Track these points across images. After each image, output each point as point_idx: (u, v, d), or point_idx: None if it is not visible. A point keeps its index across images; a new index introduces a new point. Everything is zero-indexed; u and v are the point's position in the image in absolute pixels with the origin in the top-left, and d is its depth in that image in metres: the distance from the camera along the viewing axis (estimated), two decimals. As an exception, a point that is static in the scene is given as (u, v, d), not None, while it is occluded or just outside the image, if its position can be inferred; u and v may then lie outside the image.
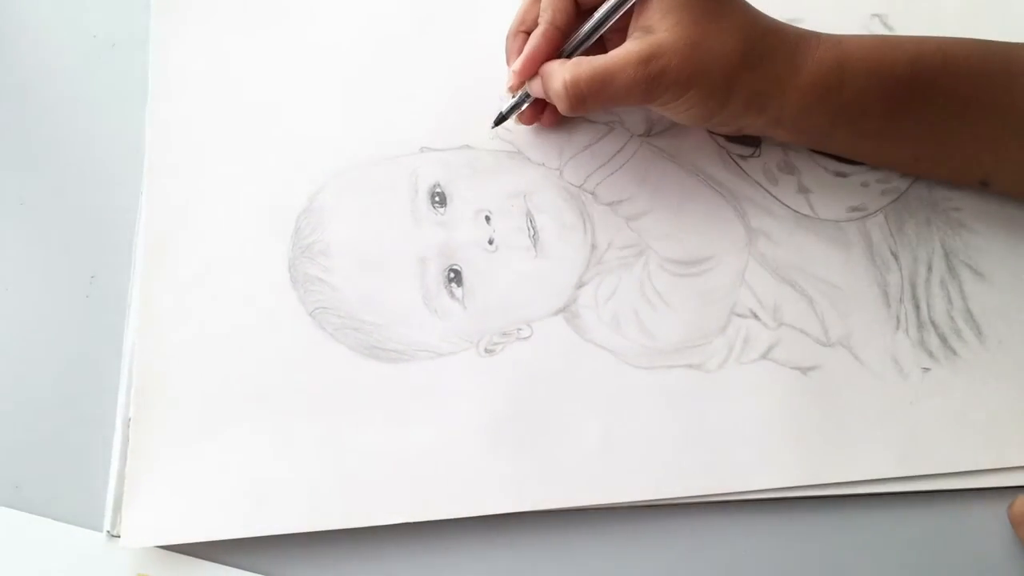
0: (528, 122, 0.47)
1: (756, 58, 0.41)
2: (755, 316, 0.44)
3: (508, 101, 0.46)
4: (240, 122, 0.48)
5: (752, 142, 0.48)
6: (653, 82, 0.40)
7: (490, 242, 0.45)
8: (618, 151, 0.47)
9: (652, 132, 0.48)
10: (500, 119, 0.46)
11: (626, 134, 0.48)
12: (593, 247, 0.45)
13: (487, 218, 0.46)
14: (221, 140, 0.48)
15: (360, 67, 0.49)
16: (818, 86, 0.41)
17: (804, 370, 0.43)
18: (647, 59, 0.40)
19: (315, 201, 0.46)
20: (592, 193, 0.46)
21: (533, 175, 0.47)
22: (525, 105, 0.46)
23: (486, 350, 0.43)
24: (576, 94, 0.41)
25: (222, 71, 0.49)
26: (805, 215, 0.46)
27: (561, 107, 0.43)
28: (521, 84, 0.45)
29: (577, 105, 0.42)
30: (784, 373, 0.43)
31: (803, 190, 0.47)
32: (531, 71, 0.44)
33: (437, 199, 0.46)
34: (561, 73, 0.42)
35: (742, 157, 0.48)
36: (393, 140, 0.47)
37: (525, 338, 0.43)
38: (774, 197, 0.47)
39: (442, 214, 0.46)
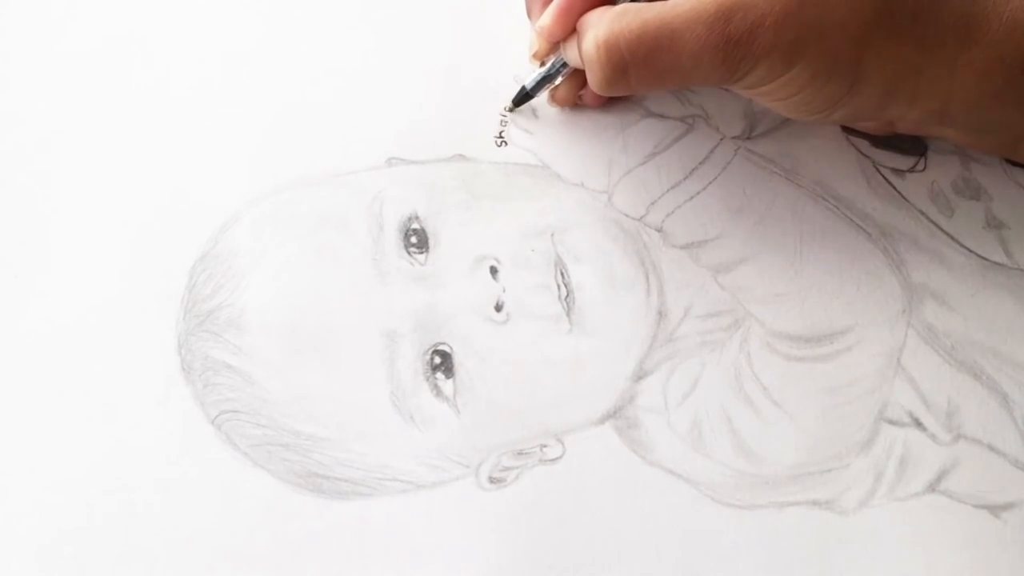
0: (566, 102, 0.49)
1: (903, 15, 0.41)
2: (918, 424, 0.44)
3: (534, 73, 0.48)
4: (107, 121, 0.49)
5: (912, 147, 0.48)
6: (735, 50, 0.41)
7: (498, 308, 0.45)
8: (700, 163, 0.47)
9: (755, 132, 0.48)
10: (522, 98, 0.48)
11: (713, 135, 0.48)
12: (661, 316, 0.45)
13: (493, 270, 0.45)
14: (76, 148, 0.48)
15: (292, 39, 0.50)
16: (1008, 62, 0.41)
17: (996, 509, 0.42)
18: (727, 13, 0.40)
19: (220, 242, 0.46)
20: (659, 230, 0.46)
21: (566, 202, 0.47)
22: (561, 78, 0.47)
23: (491, 479, 0.42)
24: (613, 61, 0.42)
25: (81, 49, 0.50)
26: (997, 263, 0.46)
27: (592, 80, 0.44)
28: (553, 48, 0.46)
29: (615, 78, 0.43)
30: (964, 514, 0.42)
31: (995, 224, 0.47)
32: (568, 26, 0.45)
33: (414, 239, 0.46)
34: (595, 28, 0.43)
35: (897, 172, 0.48)
36: (344, 147, 0.48)
37: (553, 460, 0.43)
38: (948, 235, 0.47)
39: (422, 263, 0.45)
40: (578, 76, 0.47)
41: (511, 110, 0.48)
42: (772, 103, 0.44)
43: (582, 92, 0.48)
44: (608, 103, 0.48)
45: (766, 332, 0.45)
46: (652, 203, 0.46)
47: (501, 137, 0.48)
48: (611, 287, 0.45)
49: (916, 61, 0.41)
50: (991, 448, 0.43)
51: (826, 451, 0.43)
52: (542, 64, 0.47)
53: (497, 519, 0.42)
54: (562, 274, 0.45)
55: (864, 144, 0.48)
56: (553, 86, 0.47)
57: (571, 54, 0.45)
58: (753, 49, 0.40)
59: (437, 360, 0.44)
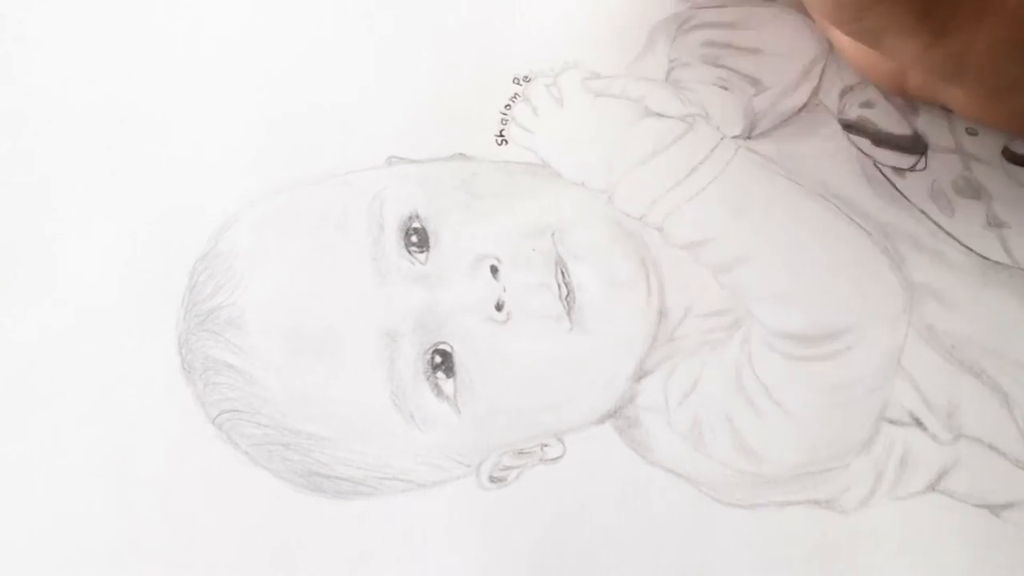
0: None
1: None
2: (918, 423, 0.43)
3: None
4: (105, 122, 0.48)
5: (913, 147, 0.48)
6: None
7: (498, 307, 0.44)
8: (701, 162, 0.47)
9: (755, 132, 0.48)
10: None
11: (714, 134, 0.47)
12: (661, 315, 0.44)
13: (494, 269, 0.45)
14: (76, 147, 0.48)
15: (289, 37, 0.50)
16: None
17: (996, 508, 0.42)
18: None
19: (221, 242, 0.46)
20: (660, 229, 0.46)
21: (566, 201, 0.46)
22: None
23: (492, 478, 0.42)
24: None
25: (81, 49, 0.50)
26: (998, 263, 0.46)
27: None
28: None
29: None
30: (964, 514, 0.42)
31: (995, 223, 0.46)
32: None
33: (415, 239, 0.45)
34: None
35: (897, 171, 0.47)
36: (344, 147, 0.48)
37: (553, 459, 0.42)
38: (948, 234, 0.46)
39: (423, 263, 0.45)
40: None
41: None
42: None
43: None
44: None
45: (767, 332, 0.44)
46: (652, 202, 0.46)
47: (501, 136, 0.48)
48: (612, 287, 0.45)
49: None
50: (992, 447, 0.43)
51: (827, 450, 0.43)
52: None
53: (497, 518, 0.42)
54: (563, 273, 0.45)
55: (865, 143, 0.48)
56: None
57: None
58: None
59: (438, 359, 0.43)
